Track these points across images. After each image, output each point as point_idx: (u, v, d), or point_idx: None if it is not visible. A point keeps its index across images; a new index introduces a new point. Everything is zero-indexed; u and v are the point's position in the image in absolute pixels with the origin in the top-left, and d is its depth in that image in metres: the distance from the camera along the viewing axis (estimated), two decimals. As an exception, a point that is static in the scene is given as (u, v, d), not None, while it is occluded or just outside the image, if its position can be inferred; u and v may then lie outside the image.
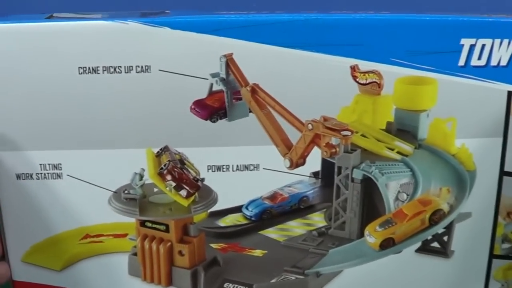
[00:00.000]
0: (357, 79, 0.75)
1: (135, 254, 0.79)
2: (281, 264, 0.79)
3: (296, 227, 0.81)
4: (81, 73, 0.72)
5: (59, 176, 0.76)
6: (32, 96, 0.73)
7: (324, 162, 0.78)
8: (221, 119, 0.75)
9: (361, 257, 0.79)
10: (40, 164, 0.75)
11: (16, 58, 0.72)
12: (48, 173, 0.76)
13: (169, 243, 0.78)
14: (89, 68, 0.72)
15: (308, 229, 0.81)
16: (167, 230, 0.77)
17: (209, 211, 0.77)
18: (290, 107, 0.75)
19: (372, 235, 0.79)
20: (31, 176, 0.76)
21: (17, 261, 0.78)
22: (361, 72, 0.75)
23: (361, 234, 0.79)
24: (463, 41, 0.74)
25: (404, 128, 0.79)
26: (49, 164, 0.75)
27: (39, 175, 0.76)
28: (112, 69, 0.72)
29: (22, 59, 0.72)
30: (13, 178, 0.76)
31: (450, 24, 0.74)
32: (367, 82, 0.75)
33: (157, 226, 0.77)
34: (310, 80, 0.74)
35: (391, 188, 0.78)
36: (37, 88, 0.73)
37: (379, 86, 0.76)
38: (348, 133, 0.76)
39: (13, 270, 0.79)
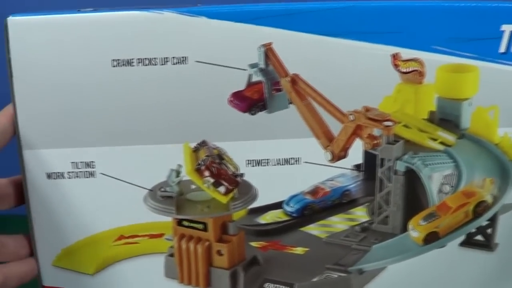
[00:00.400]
0: (399, 68, 0.73)
1: (171, 255, 0.76)
2: (323, 261, 0.76)
3: (338, 222, 0.79)
4: (115, 66, 0.70)
5: (92, 174, 0.73)
6: (63, 91, 0.70)
7: (367, 154, 0.76)
8: (260, 111, 0.72)
9: (404, 252, 0.76)
10: (72, 162, 0.72)
11: (47, 51, 0.69)
12: (80, 172, 0.73)
13: (207, 243, 0.75)
14: (123, 60, 0.69)
15: (350, 224, 0.78)
16: (205, 229, 0.75)
17: (248, 208, 0.74)
18: (331, 98, 0.73)
19: (416, 229, 0.76)
20: (62, 175, 0.73)
21: (48, 265, 0.75)
22: (402, 61, 0.73)
23: (404, 229, 0.77)
24: (504, 27, 0.72)
25: (446, 117, 0.77)
26: (81, 162, 0.73)
27: (71, 174, 0.73)
28: (147, 61, 0.70)
29: (52, 52, 0.69)
30: (43, 178, 0.73)
31: (490, 10, 0.72)
32: (409, 70, 0.73)
33: (195, 225, 0.75)
34: (351, 69, 0.72)
35: (435, 180, 0.76)
36: (68, 82, 0.70)
37: (421, 74, 0.74)
38: (390, 123, 0.73)
39: (43, 275, 0.76)
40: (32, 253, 0.75)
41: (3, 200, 0.74)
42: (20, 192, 0.74)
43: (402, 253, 0.76)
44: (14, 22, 0.69)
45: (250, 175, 0.73)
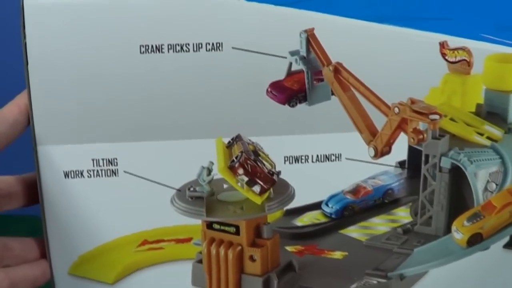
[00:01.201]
0: (446, 57, 0.69)
1: (200, 261, 0.70)
2: (362, 266, 0.71)
3: (379, 224, 0.74)
4: (143, 52, 0.64)
5: (114, 173, 0.67)
6: (84, 80, 0.65)
7: (411, 150, 0.71)
8: (300, 103, 0.68)
9: (447, 255, 0.71)
10: (93, 160, 0.67)
11: (66, 37, 0.63)
12: (101, 170, 0.67)
13: (239, 247, 0.69)
14: (152, 46, 0.64)
15: (392, 226, 0.74)
16: (237, 232, 0.68)
17: (285, 209, 0.69)
18: (375, 88, 0.68)
19: (460, 231, 0.71)
20: (81, 174, 0.67)
21: (63, 273, 0.69)
22: (450, 49, 0.69)
23: (448, 230, 0.72)
24: (554, 16, 0.69)
25: (493, 110, 0.73)
26: (103, 159, 0.67)
27: (91, 172, 0.67)
28: (178, 47, 0.64)
29: (73, 38, 0.63)
30: (59, 177, 0.67)
31: (540, -3, 0.69)
32: (457, 60, 0.69)
33: (226, 228, 0.68)
34: (396, 58, 0.67)
35: (480, 177, 0.71)
36: (90, 70, 0.64)
37: (469, 64, 0.70)
38: (437, 116, 0.69)
39: (57, 284, 0.69)
40: (43, 256, 0.69)
41: (10, 199, 0.68)
42: (31, 191, 0.68)
43: (444, 256, 0.71)
44: (31, 3, 0.63)
45: (287, 172, 0.68)
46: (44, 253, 0.70)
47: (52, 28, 0.63)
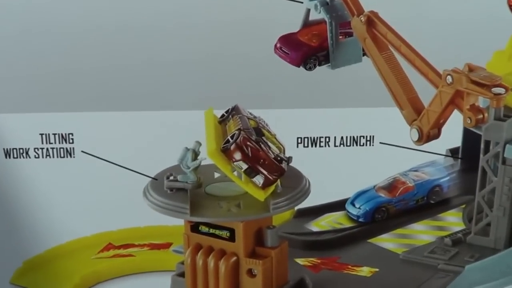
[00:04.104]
0: (515, 11, 0.58)
1: (181, 274, 0.58)
2: (397, 287, 0.59)
3: (422, 232, 0.63)
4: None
5: (69, 152, 0.60)
6: (32, 27, 0.55)
7: (467, 134, 0.60)
8: (320, 65, 0.57)
9: (508, 275, 0.60)
10: (41, 135, 0.58)
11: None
12: (53, 148, 0.60)
13: (234, 258, 0.56)
14: None
15: (438, 234, 0.62)
16: (231, 237, 0.56)
17: (296, 208, 0.59)
18: (422, 50, 0.56)
19: (526, 244, 0.60)
20: (26, 153, 0.59)
21: (3, 283, 0.58)
22: None
23: (511, 242, 0.61)
24: None
25: None
26: (55, 134, 0.59)
27: (39, 152, 0.59)
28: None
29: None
30: (-1, 156, 0.59)
31: None
32: (529, 15, 0.58)
33: (217, 232, 0.57)
34: (450, 9, 0.57)
35: (554, 173, 0.61)
36: (41, 13, 0.54)
37: (545, 22, 0.57)
38: (502, 90, 0.56)
39: (-5, 299, 0.60)
40: None
41: None
42: None
43: (504, 277, 0.60)
44: None
45: (302, 160, 0.56)
46: None
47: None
